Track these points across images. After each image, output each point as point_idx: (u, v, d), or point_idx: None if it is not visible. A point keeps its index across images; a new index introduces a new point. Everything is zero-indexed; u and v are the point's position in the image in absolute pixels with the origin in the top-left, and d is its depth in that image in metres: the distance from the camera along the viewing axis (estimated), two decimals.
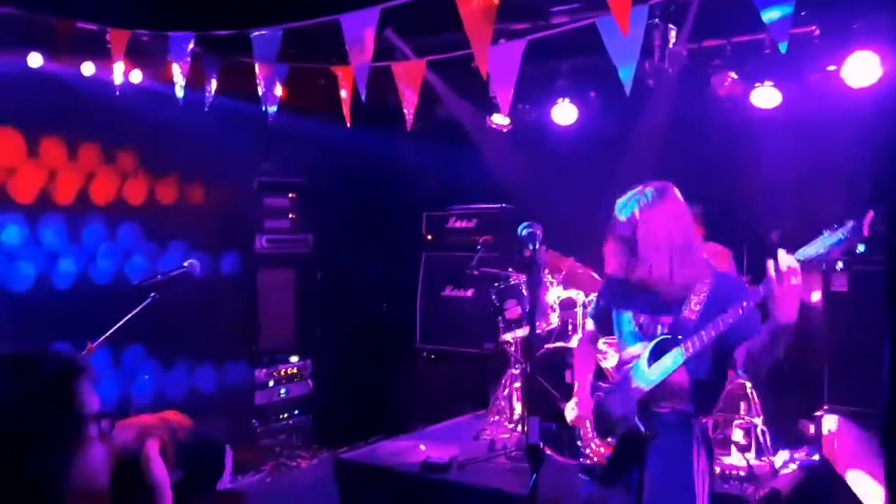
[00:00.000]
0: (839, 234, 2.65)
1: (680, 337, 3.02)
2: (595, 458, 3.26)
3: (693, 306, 3.07)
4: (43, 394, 1.50)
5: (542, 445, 2.35)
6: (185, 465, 2.09)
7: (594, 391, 3.37)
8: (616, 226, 3.19)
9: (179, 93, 4.82)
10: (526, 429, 3.01)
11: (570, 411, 3.37)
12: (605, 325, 3.50)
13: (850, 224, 2.64)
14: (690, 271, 3.09)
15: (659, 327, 3.16)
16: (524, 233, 2.75)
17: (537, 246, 2.70)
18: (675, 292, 3.10)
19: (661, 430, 3.08)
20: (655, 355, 3.10)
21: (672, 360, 3.02)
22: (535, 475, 2.35)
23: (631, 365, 3.20)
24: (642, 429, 3.06)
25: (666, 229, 3.08)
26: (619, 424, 3.19)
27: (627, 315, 3.28)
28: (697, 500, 3.05)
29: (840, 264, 5.20)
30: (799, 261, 2.68)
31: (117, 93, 5.17)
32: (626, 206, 3.16)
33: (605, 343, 4.94)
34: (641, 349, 3.17)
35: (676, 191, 3.19)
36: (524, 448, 2.71)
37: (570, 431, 4.89)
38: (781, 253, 2.71)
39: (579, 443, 3.35)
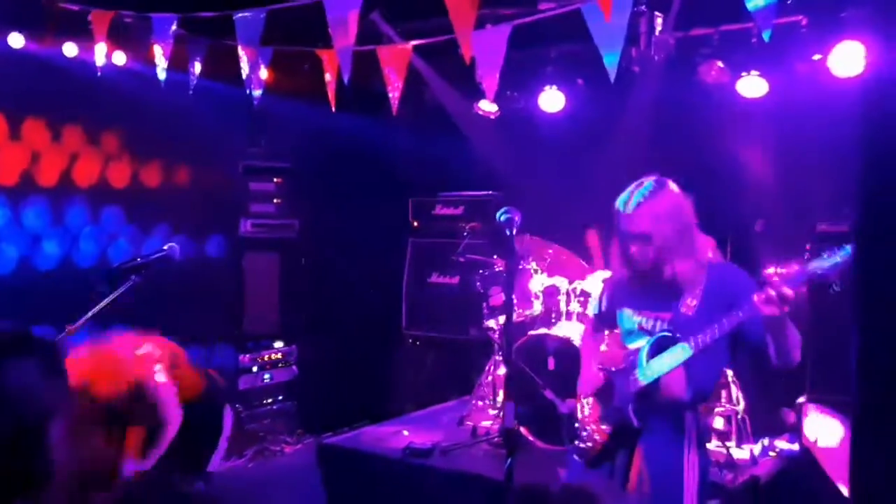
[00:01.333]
0: (837, 257, 2.68)
1: (678, 335, 3.04)
2: (589, 443, 3.29)
3: (689, 302, 3.11)
4: (32, 374, 1.50)
5: (518, 430, 2.36)
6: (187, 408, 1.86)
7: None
8: (619, 220, 3.19)
9: (161, 75, 4.78)
10: (502, 414, 3.06)
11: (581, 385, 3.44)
12: (606, 323, 3.53)
13: (848, 248, 2.66)
14: (691, 264, 3.11)
15: (658, 323, 3.19)
16: (502, 218, 2.77)
17: (514, 231, 2.71)
18: (675, 285, 3.12)
19: (654, 420, 3.13)
20: (654, 351, 3.12)
21: (673, 357, 3.04)
22: (510, 459, 2.36)
23: (632, 358, 3.23)
24: (635, 422, 3.11)
25: (668, 221, 3.09)
26: (614, 412, 3.24)
27: (628, 312, 3.31)
28: (686, 489, 3.07)
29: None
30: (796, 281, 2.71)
31: (99, 74, 5.12)
32: (628, 200, 3.16)
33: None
34: (641, 344, 3.20)
35: (673, 185, 3.21)
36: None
37: (554, 418, 4.94)
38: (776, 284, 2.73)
39: (577, 424, 3.38)
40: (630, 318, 3.31)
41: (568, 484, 3.32)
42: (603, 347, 3.57)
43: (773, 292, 2.70)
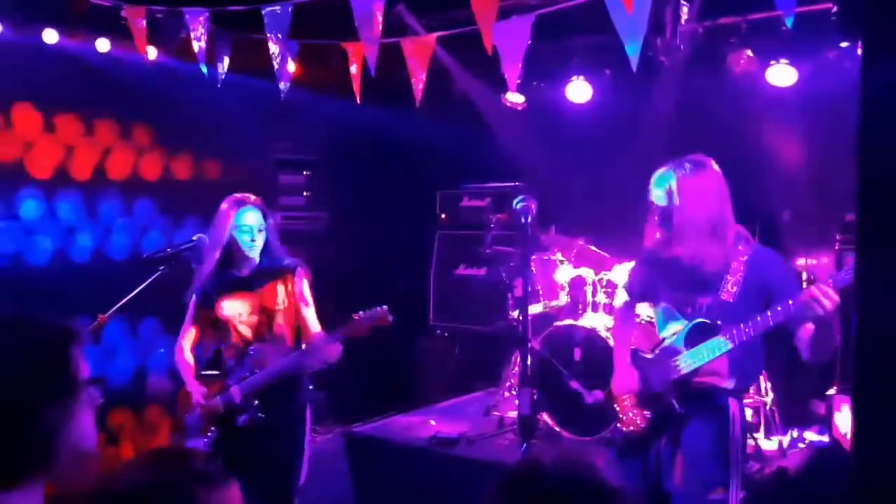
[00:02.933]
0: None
1: (719, 322, 3.03)
2: (631, 426, 3.29)
3: (730, 287, 3.07)
4: (35, 356, 1.53)
5: (535, 417, 2.38)
6: None
7: (635, 361, 3.39)
8: (653, 198, 3.18)
9: (203, 69, 4.85)
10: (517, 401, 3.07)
11: (614, 384, 3.42)
12: (640, 299, 3.54)
13: None
14: (723, 249, 3.08)
15: (695, 307, 3.16)
16: (519, 205, 2.79)
17: (530, 219, 2.73)
18: (709, 269, 3.09)
19: (697, 407, 3.12)
20: (692, 338, 3.11)
21: (711, 350, 3.04)
22: (525, 445, 2.38)
23: (669, 342, 3.21)
24: (678, 409, 3.09)
25: (702, 203, 3.07)
26: (655, 400, 3.22)
27: (665, 295, 3.29)
28: (732, 477, 3.07)
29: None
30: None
31: (148, 66, 5.22)
32: (663, 178, 3.16)
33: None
34: (678, 328, 3.18)
35: (715, 165, 3.18)
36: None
37: (580, 409, 4.93)
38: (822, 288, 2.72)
39: (616, 408, 3.37)
40: (667, 300, 3.28)
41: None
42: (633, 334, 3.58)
43: (821, 294, 2.68)
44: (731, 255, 3.10)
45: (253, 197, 3.92)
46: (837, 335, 2.87)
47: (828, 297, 2.68)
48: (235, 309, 3.86)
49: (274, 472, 3.84)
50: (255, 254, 3.85)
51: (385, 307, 3.85)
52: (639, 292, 3.53)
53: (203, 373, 3.96)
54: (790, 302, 2.82)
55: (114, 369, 5.87)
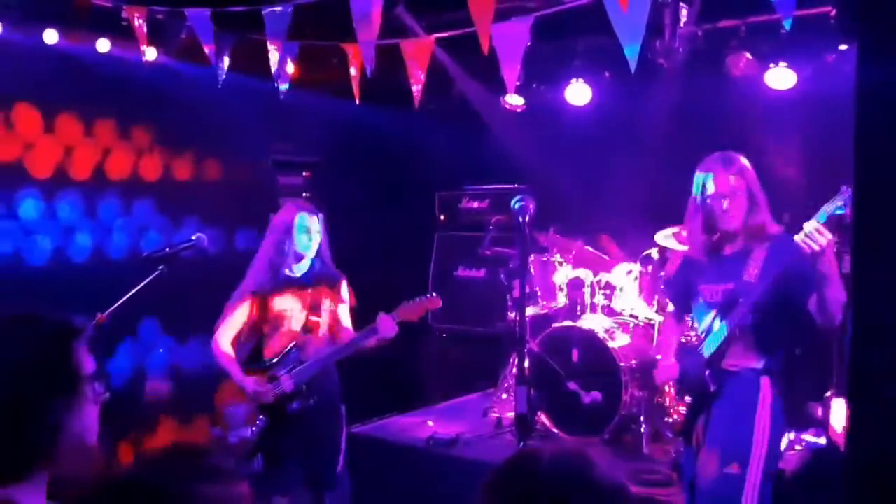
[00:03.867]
0: (839, 199, 2.93)
1: (740, 300, 3.22)
2: (676, 416, 3.53)
3: (752, 269, 3.27)
4: (40, 352, 1.55)
5: (531, 415, 2.40)
6: None
7: (675, 354, 3.62)
8: (708, 185, 3.31)
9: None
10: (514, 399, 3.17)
11: (657, 374, 3.67)
12: (683, 303, 3.70)
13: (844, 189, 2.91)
14: (768, 218, 3.34)
15: (722, 294, 3.35)
16: (516, 205, 2.81)
17: (528, 219, 2.75)
18: (745, 250, 3.31)
19: (728, 385, 3.30)
20: (713, 321, 3.36)
21: (719, 333, 3.28)
22: (521, 444, 2.39)
23: (701, 330, 3.46)
24: (711, 386, 3.29)
25: (754, 175, 3.35)
26: (690, 383, 3.44)
27: (703, 289, 3.46)
28: (754, 453, 3.16)
29: None
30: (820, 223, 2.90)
31: (147, 67, 5.22)
32: (717, 164, 3.33)
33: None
34: (711, 317, 3.39)
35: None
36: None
37: (577, 410, 4.94)
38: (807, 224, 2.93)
39: (663, 402, 3.70)
40: (700, 293, 3.47)
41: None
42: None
43: (812, 229, 2.88)
44: (759, 241, 3.30)
45: (309, 204, 4.34)
46: (840, 292, 3.00)
47: (820, 233, 2.87)
48: (288, 305, 4.16)
49: (323, 455, 4.18)
50: (310, 255, 4.17)
51: (434, 294, 4.36)
52: (683, 296, 3.69)
53: (249, 366, 4.21)
54: (789, 250, 3.01)
55: (112, 369, 5.88)
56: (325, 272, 4.25)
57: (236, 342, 4.26)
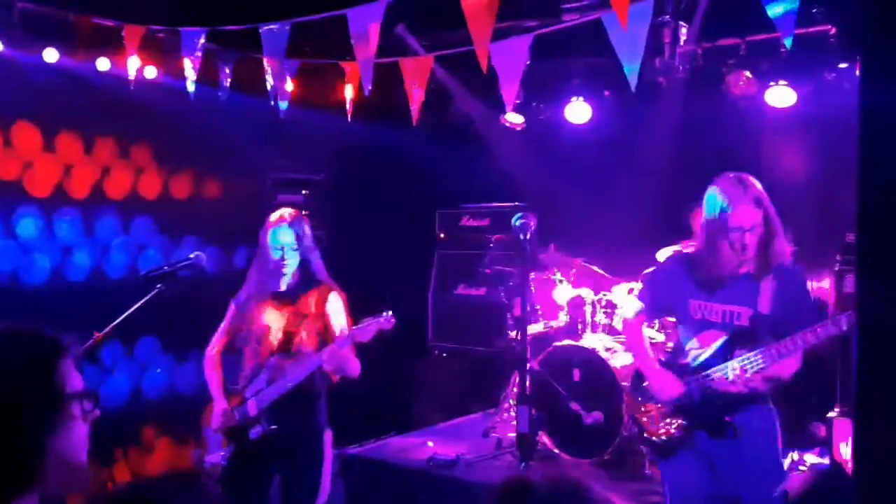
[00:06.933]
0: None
1: (757, 334, 3.22)
2: (663, 434, 3.45)
3: (764, 299, 3.26)
4: (23, 369, 1.52)
5: (533, 435, 2.37)
6: None
7: (678, 373, 3.48)
8: (727, 218, 3.23)
9: (191, 87, 4.87)
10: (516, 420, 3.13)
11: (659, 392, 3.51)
12: (660, 307, 3.69)
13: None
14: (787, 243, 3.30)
15: (732, 316, 3.31)
16: (517, 223, 2.79)
17: (529, 236, 2.73)
18: (754, 275, 3.28)
19: (746, 412, 3.31)
20: (728, 348, 3.29)
21: (751, 363, 3.21)
22: (523, 464, 2.36)
23: (710, 352, 3.35)
24: (733, 433, 3.28)
25: (770, 203, 3.30)
26: (695, 408, 3.37)
27: (695, 303, 3.39)
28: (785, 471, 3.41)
29: None
30: None
31: (132, 87, 5.22)
32: (733, 196, 3.24)
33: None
34: (713, 338, 3.33)
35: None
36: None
37: (579, 430, 4.90)
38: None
39: (645, 420, 3.52)
40: (697, 309, 3.39)
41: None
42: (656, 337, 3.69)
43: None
44: (769, 266, 3.28)
45: (289, 215, 4.01)
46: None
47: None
48: (267, 322, 3.94)
49: (289, 486, 3.88)
50: (287, 271, 3.93)
51: (389, 312, 3.92)
52: (660, 305, 3.65)
53: (230, 387, 4.02)
54: (819, 330, 3.06)
55: (110, 388, 5.84)
56: (309, 283, 3.96)
57: (224, 357, 4.09)
